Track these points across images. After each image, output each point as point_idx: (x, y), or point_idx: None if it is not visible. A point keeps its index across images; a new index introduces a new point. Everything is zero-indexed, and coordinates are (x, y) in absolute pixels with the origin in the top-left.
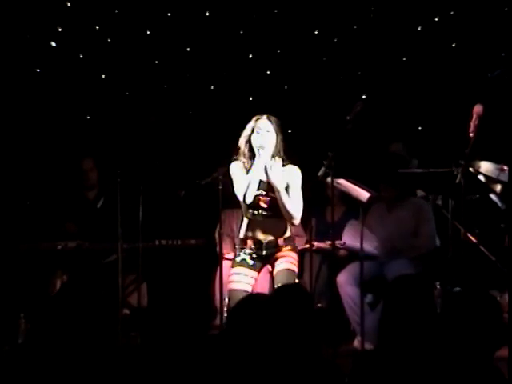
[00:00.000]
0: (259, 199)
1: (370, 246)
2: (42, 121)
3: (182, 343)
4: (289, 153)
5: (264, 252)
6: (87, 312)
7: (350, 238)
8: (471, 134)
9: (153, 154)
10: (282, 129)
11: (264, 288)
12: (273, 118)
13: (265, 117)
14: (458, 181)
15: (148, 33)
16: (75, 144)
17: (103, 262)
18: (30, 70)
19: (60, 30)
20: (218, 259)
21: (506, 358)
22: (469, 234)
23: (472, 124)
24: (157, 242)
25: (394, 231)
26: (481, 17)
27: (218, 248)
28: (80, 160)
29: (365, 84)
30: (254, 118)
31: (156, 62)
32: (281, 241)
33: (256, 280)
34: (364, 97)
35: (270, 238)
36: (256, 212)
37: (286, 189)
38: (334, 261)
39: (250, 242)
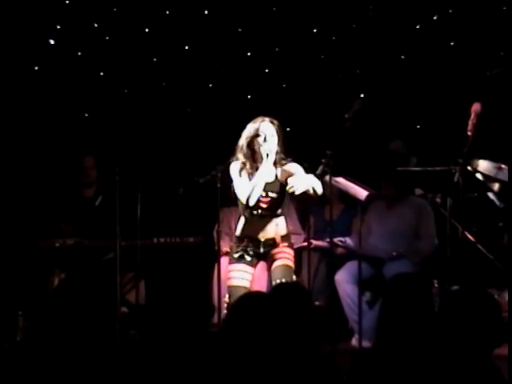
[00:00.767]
0: (260, 200)
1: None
2: (40, 118)
3: (180, 341)
4: (287, 151)
5: (262, 250)
6: (85, 310)
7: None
8: (469, 133)
9: (151, 151)
10: (281, 130)
11: (262, 285)
12: (275, 122)
13: (267, 120)
14: (456, 179)
15: (146, 30)
16: (73, 141)
17: (103, 259)
18: (28, 68)
19: (58, 27)
20: (216, 257)
21: (506, 356)
22: (467, 233)
23: (470, 122)
24: (155, 240)
25: (395, 228)
26: (479, 15)
27: (216, 246)
28: (81, 157)
29: (363, 82)
30: (258, 120)
31: (154, 60)
32: (278, 239)
33: (253, 276)
34: (362, 95)
35: (268, 236)
36: (255, 212)
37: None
38: (333, 259)
39: (246, 241)
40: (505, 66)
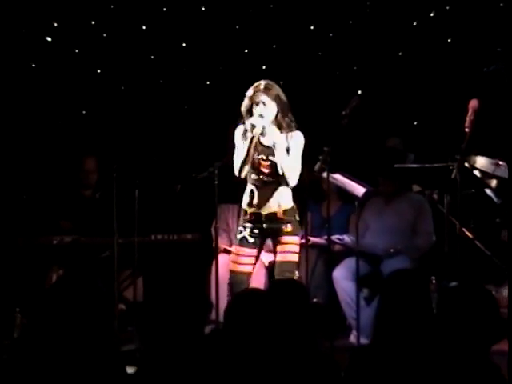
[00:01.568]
0: (260, 163)
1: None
2: (38, 116)
3: (177, 338)
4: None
5: (264, 225)
6: (83, 307)
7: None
8: (467, 129)
9: (149, 148)
10: (282, 95)
11: (260, 282)
12: (272, 87)
13: (263, 86)
14: (453, 176)
15: (144, 28)
16: (72, 138)
17: (101, 256)
18: (26, 65)
19: (56, 25)
20: (213, 254)
21: (506, 352)
22: (464, 229)
23: (468, 119)
24: (153, 237)
25: (393, 225)
26: (476, 12)
27: (213, 243)
28: (82, 158)
29: (361, 79)
30: (252, 88)
31: (152, 57)
32: (280, 213)
33: (256, 258)
34: (360, 92)
35: (270, 209)
36: (258, 177)
37: (287, 151)
38: (330, 256)
39: (250, 214)
40: (502, 62)
